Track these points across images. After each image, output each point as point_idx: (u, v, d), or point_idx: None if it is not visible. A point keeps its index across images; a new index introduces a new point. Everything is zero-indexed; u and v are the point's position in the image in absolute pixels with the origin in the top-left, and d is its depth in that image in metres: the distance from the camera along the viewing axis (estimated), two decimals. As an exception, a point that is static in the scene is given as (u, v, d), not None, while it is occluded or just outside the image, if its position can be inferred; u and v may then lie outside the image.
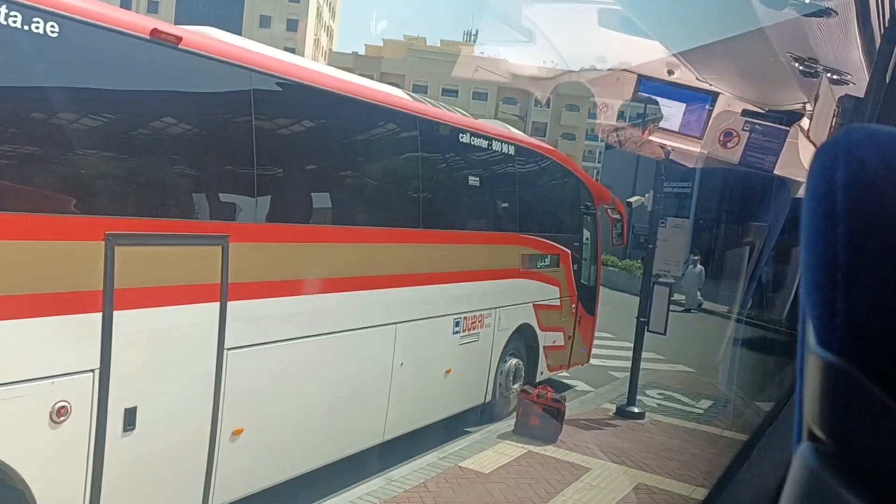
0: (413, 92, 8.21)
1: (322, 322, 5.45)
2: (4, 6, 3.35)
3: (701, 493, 5.28)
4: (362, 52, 78.35)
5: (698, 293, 21.11)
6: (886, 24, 2.07)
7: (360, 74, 7.88)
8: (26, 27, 3.45)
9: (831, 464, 0.33)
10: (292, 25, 67.70)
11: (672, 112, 4.54)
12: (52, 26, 3.55)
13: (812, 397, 0.34)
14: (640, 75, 4.57)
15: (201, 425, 4.54)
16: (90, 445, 3.86)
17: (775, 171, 4.21)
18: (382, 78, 56.40)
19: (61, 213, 3.77)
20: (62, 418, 3.69)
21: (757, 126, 4.29)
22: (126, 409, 4.01)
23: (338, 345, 5.63)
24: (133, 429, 4.04)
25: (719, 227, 29.12)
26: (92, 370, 3.83)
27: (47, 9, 3.54)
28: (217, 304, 4.52)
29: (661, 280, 8.99)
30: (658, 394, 10.17)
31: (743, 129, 4.28)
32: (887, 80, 1.60)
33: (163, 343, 4.24)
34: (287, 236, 5.20)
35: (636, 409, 8.71)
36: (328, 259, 5.59)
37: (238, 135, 4.81)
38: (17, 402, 3.49)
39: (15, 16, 3.40)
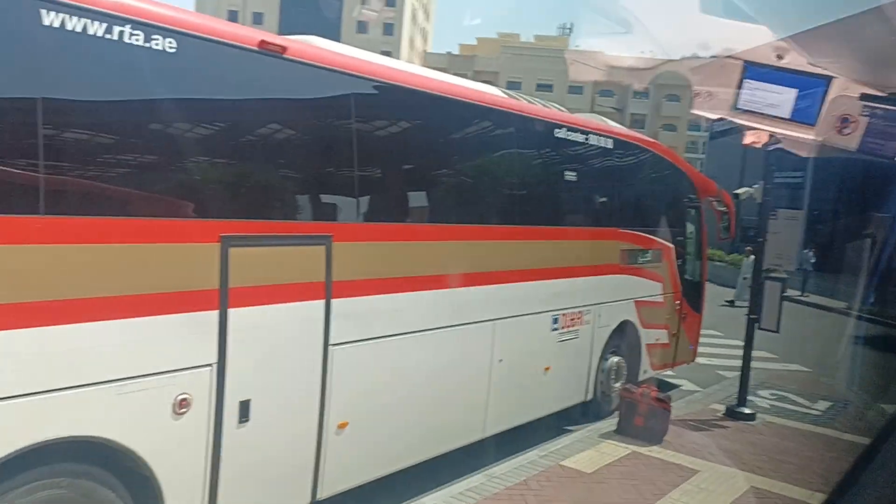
0: (507, 89, 8.20)
1: (422, 319, 5.55)
2: (128, 26, 3.61)
3: (819, 499, 5.01)
4: (456, 51, 78.93)
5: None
6: None
7: (454, 74, 7.95)
8: (147, 44, 3.70)
9: None
10: (388, 29, 69.02)
11: (782, 99, 4.33)
12: (171, 42, 3.80)
13: None
14: (745, 61, 4.39)
15: (309, 418, 4.73)
16: (209, 435, 4.10)
17: (898, 157, 3.94)
18: (476, 76, 56.61)
19: (181, 218, 4.02)
20: (183, 410, 3.94)
21: (877, 110, 4.03)
22: (241, 402, 4.23)
23: (437, 341, 5.71)
24: (247, 421, 4.26)
25: (836, 218, 27.39)
26: (210, 365, 4.06)
27: (166, 26, 3.79)
28: (322, 302, 4.70)
29: (772, 275, 8.58)
30: (771, 394, 9.71)
31: (861, 114, 4.03)
32: None
33: (273, 339, 4.44)
34: (387, 235, 5.32)
35: (747, 410, 8.36)
36: (427, 257, 5.67)
37: (340, 138, 4.97)
38: (143, 394, 3.75)
39: (137, 34, 3.66)
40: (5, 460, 3.25)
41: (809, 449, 7.53)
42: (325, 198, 5.03)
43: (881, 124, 4.01)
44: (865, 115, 4.02)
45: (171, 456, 3.94)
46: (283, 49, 4.45)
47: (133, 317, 3.70)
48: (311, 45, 5.01)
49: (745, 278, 18.33)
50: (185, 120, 4.08)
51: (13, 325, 3.24)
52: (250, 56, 4.30)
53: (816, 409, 9.19)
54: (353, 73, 5.01)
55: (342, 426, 4.92)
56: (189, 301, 3.96)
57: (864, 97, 4.06)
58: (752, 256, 19.92)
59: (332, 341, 4.77)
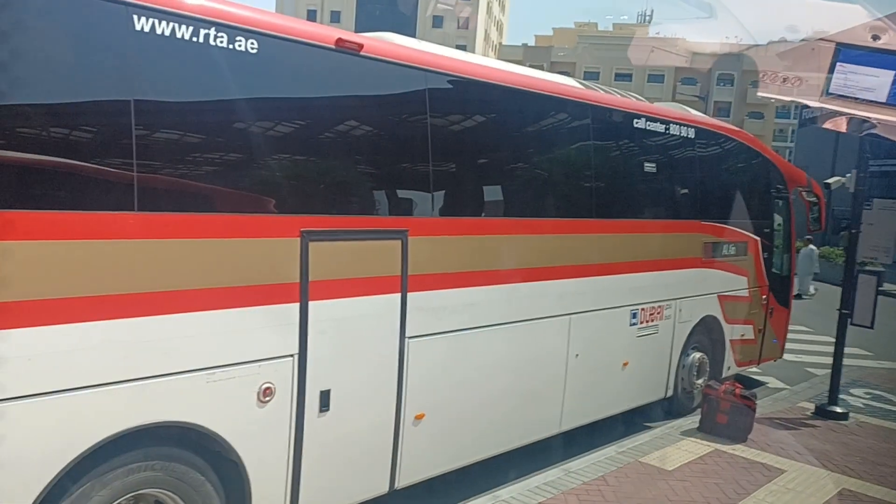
0: (585, 79, 8.07)
1: (497, 312, 5.55)
2: (213, 28, 3.76)
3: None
4: (532, 42, 78.18)
5: (810, 279, 18.73)
6: None
7: (529, 65, 7.88)
8: (231, 46, 3.84)
9: None
10: (463, 23, 69.02)
11: (879, 82, 4.10)
12: (252, 44, 3.93)
13: None
14: (838, 44, 4.18)
15: (387, 409, 4.81)
16: (291, 423, 4.23)
17: None
18: (552, 67, 56.00)
19: (263, 213, 4.16)
20: (267, 398, 4.08)
21: (985, 91, 3.76)
22: (321, 392, 4.35)
23: (513, 335, 5.70)
24: (328, 410, 4.38)
25: (939, 207, 25.73)
26: (292, 355, 4.20)
27: (248, 28, 3.92)
28: (398, 295, 4.77)
29: (867, 268, 8.15)
30: (865, 393, 9.24)
31: (967, 96, 3.77)
32: None
33: (351, 331, 4.54)
34: (462, 229, 5.34)
35: (839, 409, 7.98)
36: (503, 251, 5.67)
37: (415, 134, 5.01)
38: (230, 382, 3.91)
39: (221, 37, 3.80)
40: (106, 442, 3.46)
41: (908, 451, 7.12)
42: (401, 193, 5.09)
43: None
44: (971, 97, 3.77)
45: (257, 442, 4.09)
46: (360, 46, 4.53)
47: (220, 308, 3.85)
48: (387, 42, 5.08)
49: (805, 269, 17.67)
50: (266, 119, 4.21)
51: (112, 315, 3.43)
52: (328, 54, 4.39)
53: (917, 410, 8.68)
54: (428, 68, 5.04)
55: (419, 417, 4.99)
56: (272, 294, 4.10)
57: (970, 77, 3.80)
58: (811, 246, 18.89)
59: (408, 334, 4.84)
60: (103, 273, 3.42)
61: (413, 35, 6.19)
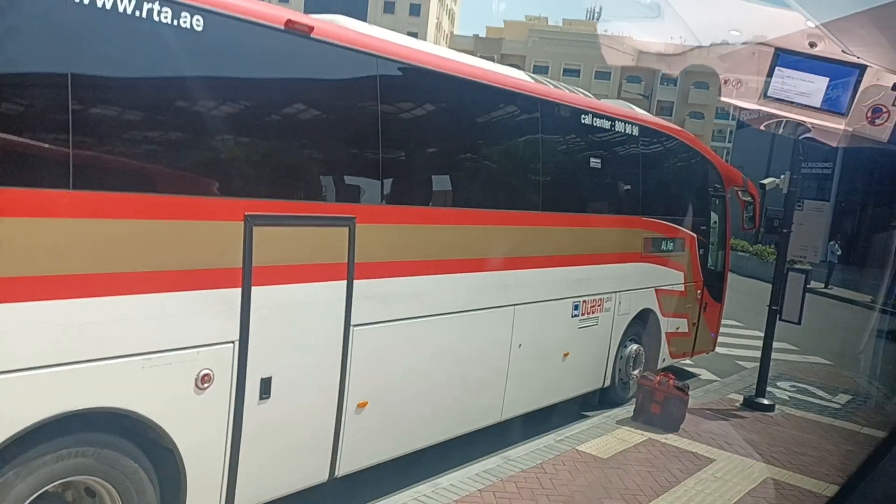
0: (534, 73, 8.14)
1: (443, 302, 5.58)
2: (157, 3, 3.64)
3: (833, 490, 4.98)
4: (483, 34, 78.33)
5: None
6: None
7: (480, 56, 7.90)
8: (174, 22, 3.72)
9: None
10: (415, 10, 68.62)
11: (814, 87, 4.25)
12: (198, 21, 3.82)
13: None
14: (777, 48, 4.32)
15: (329, 397, 4.79)
16: (230, 411, 4.16)
17: (931, 150, 3.87)
18: (503, 59, 56.19)
19: (207, 196, 4.06)
20: (206, 385, 4.00)
21: (911, 100, 3.94)
22: (262, 379, 4.29)
23: (458, 324, 5.73)
24: (268, 397, 4.33)
25: (863, 210, 26.95)
26: (232, 341, 4.12)
27: (193, 4, 3.80)
28: (344, 283, 4.73)
29: (796, 266, 8.49)
30: (790, 386, 9.65)
31: (894, 105, 3.95)
32: None
33: (295, 318, 4.49)
34: (410, 218, 5.34)
35: (766, 401, 8.31)
36: (449, 241, 5.69)
37: (365, 120, 4.97)
38: (167, 368, 3.82)
39: (165, 12, 3.68)
40: (35, 427, 3.34)
41: (828, 442, 7.48)
42: (349, 179, 5.05)
43: (915, 115, 3.93)
44: (899, 106, 3.95)
45: (193, 429, 4.01)
46: (310, 29, 4.46)
47: (158, 292, 3.75)
48: (338, 26, 5.01)
49: None
50: (211, 99, 4.10)
51: (42, 296, 3.31)
52: (277, 35, 4.31)
53: (836, 403, 9.12)
54: (379, 54, 5.00)
55: (362, 405, 4.98)
56: (213, 278, 4.01)
57: (897, 87, 3.98)
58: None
59: (353, 322, 4.81)
60: (34, 253, 3.30)
61: (364, 19, 6.12)
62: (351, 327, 4.81)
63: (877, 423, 8.32)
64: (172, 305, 3.82)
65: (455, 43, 70.08)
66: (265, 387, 4.31)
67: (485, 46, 67.38)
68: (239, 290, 4.11)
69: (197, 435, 4.04)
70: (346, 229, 4.72)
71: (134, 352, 3.68)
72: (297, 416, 4.60)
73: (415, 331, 5.35)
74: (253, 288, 4.16)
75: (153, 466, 3.92)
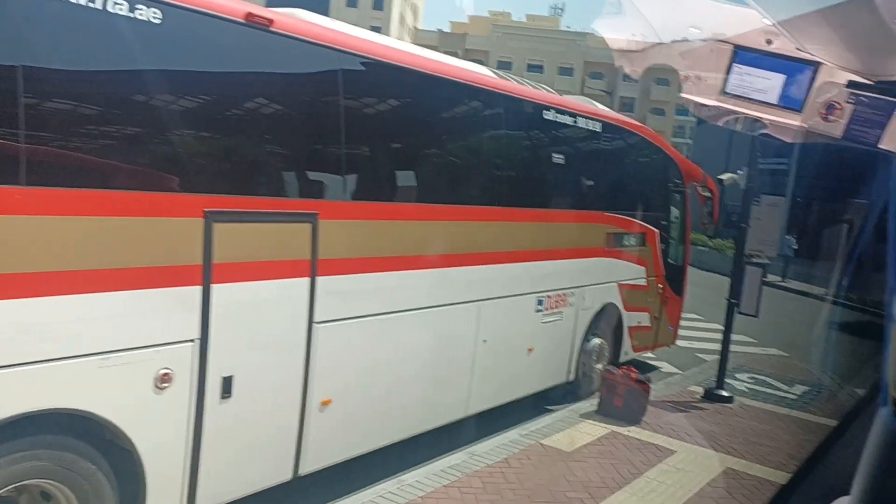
0: (498, 68, 8.15)
1: (407, 298, 5.56)
2: (111, -5, 3.54)
3: (786, 477, 5.11)
4: (447, 29, 78.30)
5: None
6: None
7: (444, 52, 7.89)
8: (131, 14, 3.64)
9: None
10: (378, 4, 68.21)
11: (771, 84, 4.33)
12: (155, 13, 3.73)
13: (895, 364, 0.35)
14: (736, 46, 4.38)
15: (292, 395, 4.74)
16: (191, 411, 4.10)
17: (881, 146, 3.97)
18: (467, 55, 56.22)
19: (165, 192, 3.98)
20: (165, 385, 3.93)
21: (863, 98, 4.04)
22: (223, 378, 4.23)
23: (422, 321, 5.72)
24: (230, 396, 4.27)
25: (818, 205, 27.64)
26: (192, 340, 4.05)
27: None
28: (307, 280, 4.69)
29: (753, 260, 8.67)
30: (749, 377, 9.86)
31: (847, 102, 4.05)
32: None
33: (257, 316, 4.43)
34: (373, 214, 5.31)
35: (725, 393, 8.48)
36: (413, 237, 5.67)
37: (327, 115, 4.93)
38: (125, 368, 3.74)
39: (121, 4, 3.59)
40: (-15, 432, 3.24)
41: (785, 431, 7.66)
42: (312, 175, 5.00)
43: (866, 112, 4.03)
44: (851, 103, 4.04)
45: (153, 430, 3.94)
46: (270, 22, 4.39)
47: (115, 290, 3.67)
48: (299, 19, 4.95)
49: None
50: (169, 92, 4.02)
51: (-7, 296, 3.21)
52: (237, 28, 4.23)
53: (793, 393, 9.35)
54: (342, 48, 4.96)
55: (326, 403, 4.94)
56: (172, 276, 3.94)
57: (850, 85, 4.07)
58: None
59: (316, 319, 4.77)
60: (-16, 251, 3.19)
61: (326, 13, 6.06)
62: (314, 324, 4.76)
63: (830, 412, 8.55)
64: (130, 304, 3.74)
65: (419, 38, 69.89)
66: (226, 386, 4.25)
67: (449, 42, 67.38)
68: (199, 287, 4.04)
69: (156, 435, 3.97)
70: (309, 225, 4.67)
71: (90, 351, 3.59)
72: (260, 415, 4.55)
73: (379, 327, 5.33)
74: (213, 286, 4.09)
75: (112, 467, 3.83)
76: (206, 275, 4.06)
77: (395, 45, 5.98)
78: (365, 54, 5.18)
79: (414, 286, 5.63)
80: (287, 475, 4.82)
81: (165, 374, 3.92)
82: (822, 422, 7.96)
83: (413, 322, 5.63)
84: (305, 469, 4.92)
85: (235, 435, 4.38)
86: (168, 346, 3.94)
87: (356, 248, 5.13)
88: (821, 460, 1.19)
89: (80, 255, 3.54)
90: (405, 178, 5.83)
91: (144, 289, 3.80)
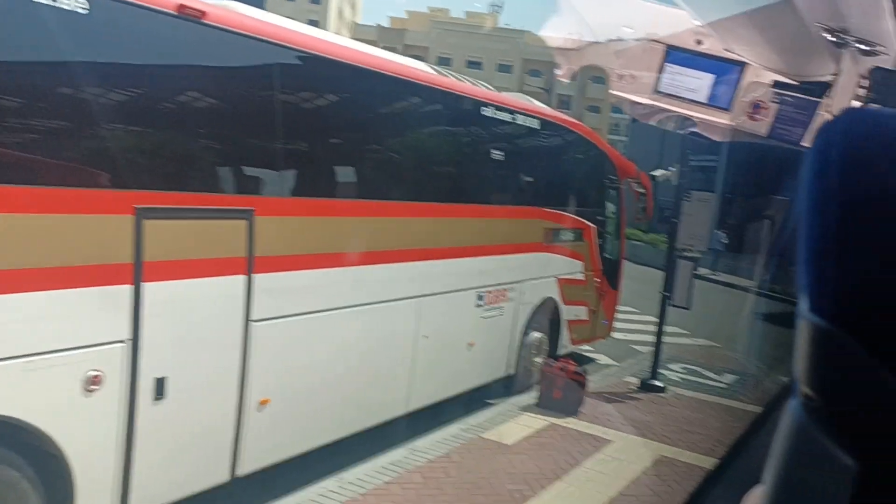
0: (437, 65, 8.16)
1: (346, 295, 5.52)
2: (33, -19, 3.39)
3: (713, 463, 5.31)
4: (386, 24, 77.88)
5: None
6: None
7: (383, 47, 7.85)
8: (55, 3, 3.49)
9: (818, 418, 0.36)
10: (316, -2, 67.23)
11: (700, 83, 4.46)
12: (81, 2, 3.59)
13: (803, 358, 0.37)
14: (668, 46, 4.50)
15: (229, 395, 4.64)
16: (122, 413, 3.97)
17: (804, 145, 4.14)
18: (406, 50, 56.04)
19: (91, 188, 3.84)
20: (95, 387, 3.79)
21: (787, 97, 4.21)
22: (156, 379, 4.11)
23: (362, 317, 5.69)
24: (163, 398, 4.15)
25: (745, 201, 28.70)
26: (123, 341, 3.92)
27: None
28: (243, 277, 4.60)
29: (685, 254, 8.94)
30: (681, 368, 10.16)
31: (772, 101, 4.20)
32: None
33: (191, 315, 4.33)
34: (311, 210, 5.24)
35: (658, 383, 8.73)
36: (352, 233, 5.63)
37: (262, 110, 4.84)
38: (51, 371, 3.60)
39: (43, -9, 3.44)
40: None
41: (714, 419, 7.94)
42: (247, 170, 4.90)
43: (790, 111, 4.20)
44: (776, 102, 4.20)
45: (82, 434, 3.80)
46: (203, 14, 4.28)
47: (41, 290, 3.52)
48: (233, 11, 4.84)
49: None
50: (98, 85, 3.88)
51: None
52: (168, 20, 4.11)
53: (722, 382, 9.69)
54: (277, 41, 4.87)
55: (264, 403, 4.86)
56: (100, 275, 3.80)
57: (776, 85, 4.24)
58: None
59: (253, 317, 4.68)
60: None
61: (262, 6, 5.94)
62: (251, 323, 4.67)
63: (756, 399, 8.90)
64: (57, 304, 3.59)
65: (357, 32, 69.25)
66: (159, 387, 4.13)
67: (388, 37, 66.99)
68: (130, 286, 3.92)
69: (86, 440, 3.83)
70: (245, 222, 4.58)
71: (13, 354, 3.44)
72: (195, 416, 4.44)
73: (318, 325, 5.27)
74: (144, 284, 3.97)
75: (38, 474, 3.68)
76: (137, 273, 3.93)
77: (333, 40, 5.91)
78: (301, 48, 5.11)
79: (353, 283, 5.59)
80: (224, 476, 4.72)
81: (95, 377, 3.78)
82: (748, 409, 8.28)
83: (353, 319, 5.59)
84: (244, 470, 4.83)
85: (170, 437, 4.26)
86: (97, 348, 3.80)
87: (294, 245, 5.06)
88: (746, 446, 1.24)
89: (3, 255, 3.38)
90: (344, 174, 5.78)
91: (71, 288, 3.66)
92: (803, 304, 0.37)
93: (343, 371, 5.62)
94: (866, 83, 3.07)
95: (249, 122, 4.85)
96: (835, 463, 0.35)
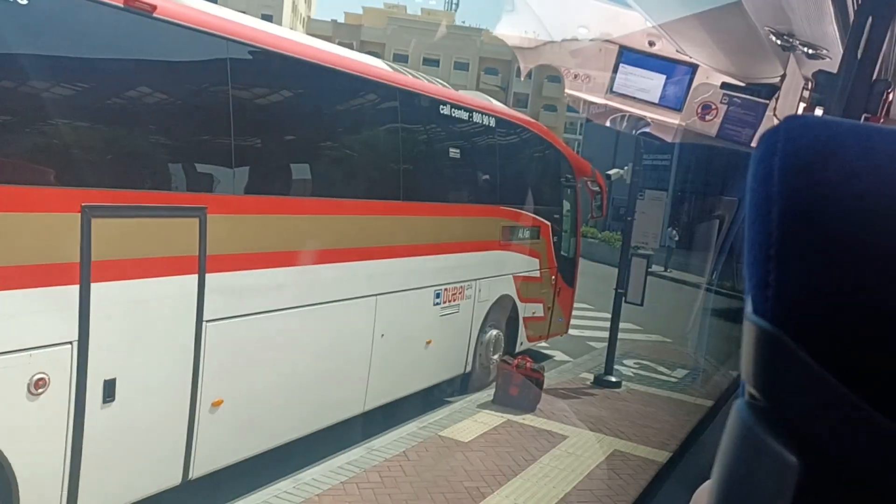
0: (393, 62, 8.13)
1: (302, 294, 5.46)
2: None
3: (666, 456, 5.42)
4: (342, 19, 77.27)
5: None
6: (860, 1, 2.09)
7: (339, 43, 7.78)
8: (-5, -8, 3.36)
9: (762, 417, 0.37)
10: (270, -8, 66.29)
11: (653, 84, 4.53)
12: (22, -8, 3.47)
13: (748, 359, 0.38)
14: (622, 46, 4.56)
15: (180, 397, 4.55)
16: (69, 417, 3.85)
17: (752, 145, 4.25)
18: (362, 47, 55.69)
19: (37, 185, 3.72)
20: (40, 390, 3.68)
21: (735, 99, 4.31)
22: (105, 381, 4.00)
23: (318, 316, 5.64)
24: (112, 400, 4.04)
25: (696, 199, 29.37)
26: (70, 342, 3.81)
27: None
28: (195, 277, 4.51)
29: (639, 252, 9.09)
30: (635, 363, 10.34)
31: (721, 102, 4.30)
32: (859, 57, 1.62)
33: (141, 315, 4.23)
34: (266, 208, 5.17)
35: (613, 379, 8.86)
36: (308, 231, 5.57)
37: (215, 105, 4.75)
38: (-6, 374, 3.47)
39: (-17, -20, 3.31)
40: None
41: (667, 413, 8.10)
42: (200, 167, 4.80)
43: (739, 113, 4.30)
44: (725, 104, 4.30)
45: (27, 439, 3.68)
46: (153, 8, 4.18)
47: (-20, 291, 3.40)
48: (185, 5, 4.74)
49: None
50: (43, 79, 3.75)
51: None
52: (116, 13, 4.00)
53: (675, 377, 9.89)
54: (230, 36, 4.79)
55: (217, 404, 4.77)
56: (47, 275, 3.69)
57: (724, 86, 4.34)
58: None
59: (206, 317, 4.60)
60: None
61: (214, 0, 5.83)
62: (203, 323, 4.59)
63: (706, 393, 9.12)
64: (-2, 305, 3.47)
65: (312, 28, 68.56)
66: (109, 389, 4.03)
67: (343, 33, 66.45)
68: (77, 286, 3.80)
69: (31, 444, 3.71)
70: (197, 220, 4.49)
71: (-48, 358, 3.31)
72: (146, 419, 4.34)
73: (272, 324, 5.20)
74: (92, 284, 3.86)
75: (-21, 483, 3.55)
76: (85, 273, 3.82)
77: (288, 35, 5.84)
78: (255, 43, 5.03)
79: (309, 281, 5.53)
80: (177, 479, 4.63)
81: (40, 380, 3.67)
82: (699, 402, 8.47)
83: (308, 318, 5.54)
84: (197, 472, 4.74)
85: (119, 440, 4.16)
86: (43, 350, 3.69)
87: (248, 243, 4.98)
88: (697, 440, 1.26)
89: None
90: (299, 171, 5.71)
91: (16, 289, 3.54)
92: (748, 307, 0.38)
93: (299, 370, 5.56)
94: (811, 86, 3.17)
95: (202, 119, 4.76)
96: (778, 461, 0.36)
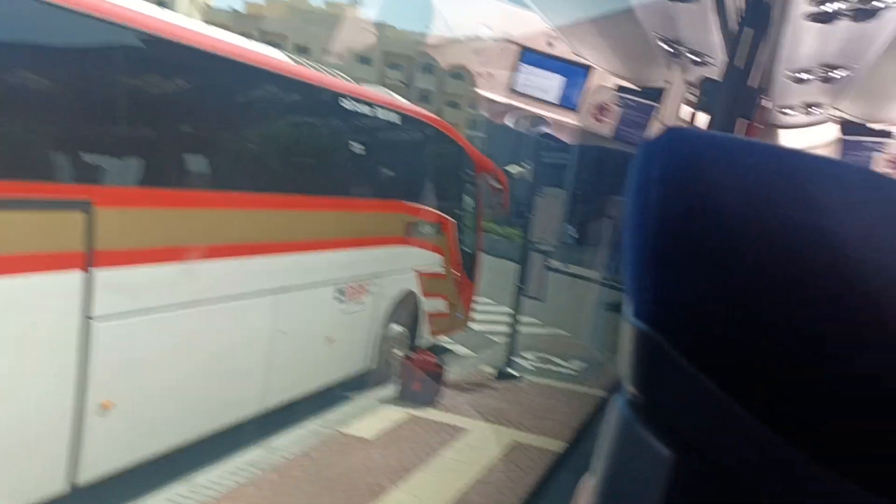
0: (295, 54, 7.97)
1: (197, 290, 5.27)
2: None
3: (561, 446, 5.60)
4: (242, 9, 74.88)
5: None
6: (742, 14, 2.23)
7: (239, 33, 7.53)
8: None
9: (640, 413, 0.40)
10: (164, -25, 63.47)
11: (551, 84, 4.66)
12: None
13: (627, 359, 0.40)
14: (523, 46, 4.66)
15: (65, 399, 4.30)
16: (-63, 425, 3.57)
17: (644, 145, 4.44)
18: (263, 37, 54.14)
19: None
20: None
21: (629, 101, 4.50)
22: (-21, 385, 3.73)
23: (214, 313, 5.46)
24: (-13, 405, 3.77)
25: (593, 198, 30.45)
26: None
27: None
28: (81, 273, 4.27)
29: (538, 247, 9.32)
30: (534, 356, 10.59)
31: (615, 104, 4.48)
32: (741, 66, 1.72)
33: (18, 314, 3.96)
34: (158, 201, 4.96)
35: (513, 372, 9.05)
36: (203, 225, 5.38)
37: (103, 94, 4.50)
38: None
39: None
40: None
41: (565, 404, 8.36)
42: (85, 157, 4.54)
43: (632, 114, 4.49)
44: (619, 106, 4.48)
45: None
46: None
47: None
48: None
49: None
50: None
51: None
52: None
53: (571, 369, 10.22)
54: (118, 21, 4.55)
55: (106, 406, 4.54)
56: None
57: (620, 89, 4.52)
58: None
59: (93, 315, 4.36)
60: None
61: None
62: (91, 321, 4.35)
63: (600, 384, 9.48)
64: None
65: (211, 16, 66.06)
66: (-17, 393, 3.75)
67: (244, 23, 64.34)
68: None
69: None
70: (81, 214, 4.25)
71: None
72: (26, 424, 4.07)
73: (166, 322, 4.99)
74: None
75: None
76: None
77: (184, 23, 5.61)
78: (147, 30, 4.80)
79: (205, 277, 5.35)
80: (62, 486, 4.37)
81: None
82: (594, 393, 8.80)
83: (204, 315, 5.35)
84: (84, 478, 4.49)
85: (-5, 448, 3.88)
86: None
87: (139, 238, 4.76)
88: (590, 431, 1.32)
89: None
90: (193, 163, 5.50)
91: None
92: (627, 309, 0.40)
93: (194, 369, 5.37)
94: (696, 91, 3.35)
95: (87, 107, 4.49)
96: (653, 453, 0.39)
